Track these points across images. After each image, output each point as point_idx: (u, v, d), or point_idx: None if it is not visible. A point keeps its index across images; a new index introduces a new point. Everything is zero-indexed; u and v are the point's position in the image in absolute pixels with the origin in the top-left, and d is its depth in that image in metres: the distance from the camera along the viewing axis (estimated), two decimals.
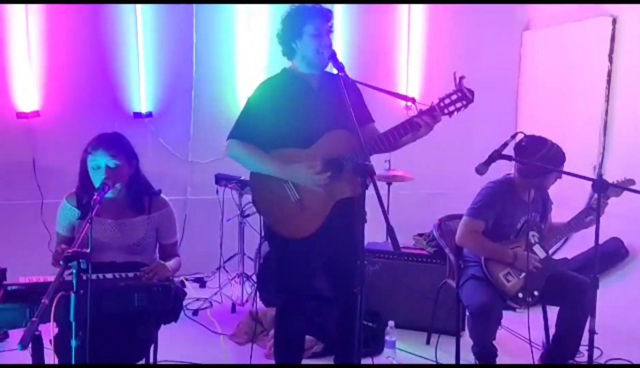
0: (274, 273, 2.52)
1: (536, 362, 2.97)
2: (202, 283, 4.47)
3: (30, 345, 1.86)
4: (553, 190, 2.99)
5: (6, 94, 4.15)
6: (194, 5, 4.54)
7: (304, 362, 2.71)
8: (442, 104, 2.27)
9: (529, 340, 2.80)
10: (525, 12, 5.43)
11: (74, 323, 1.69)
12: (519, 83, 5.51)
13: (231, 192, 4.06)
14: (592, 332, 2.36)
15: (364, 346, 2.16)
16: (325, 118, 2.36)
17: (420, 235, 3.67)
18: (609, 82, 4.60)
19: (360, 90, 2.50)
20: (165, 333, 2.39)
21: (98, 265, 2.20)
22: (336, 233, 2.36)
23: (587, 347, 2.45)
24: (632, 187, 2.70)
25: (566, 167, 2.75)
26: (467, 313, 2.87)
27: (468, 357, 2.85)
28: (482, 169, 2.48)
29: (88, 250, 1.71)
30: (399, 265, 3.60)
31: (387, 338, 3.15)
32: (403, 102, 4.73)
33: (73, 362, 1.70)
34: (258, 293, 3.55)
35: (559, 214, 3.09)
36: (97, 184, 2.25)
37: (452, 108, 2.27)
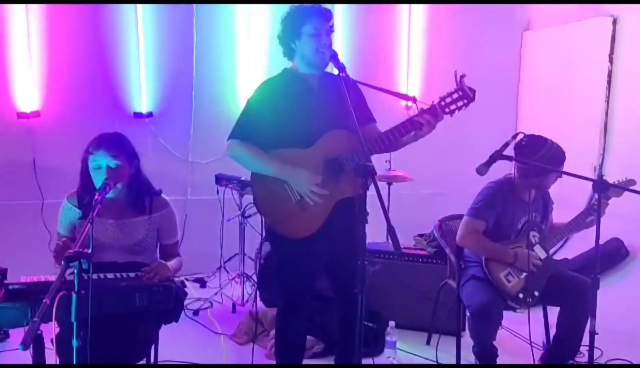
0: (275, 274, 2.51)
1: (536, 362, 2.97)
2: (202, 283, 4.47)
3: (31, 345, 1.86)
4: (553, 190, 3.00)
5: (6, 94, 4.14)
6: (194, 5, 4.54)
7: (305, 362, 2.71)
8: (443, 103, 2.26)
9: (530, 340, 2.80)
10: (526, 12, 5.44)
11: (75, 323, 1.68)
12: (519, 83, 5.51)
13: (231, 192, 4.06)
14: (593, 333, 2.37)
15: (365, 346, 2.16)
16: (325, 118, 2.36)
17: (421, 235, 3.67)
18: (609, 82, 4.60)
19: (361, 90, 2.50)
20: (166, 333, 2.40)
21: (99, 265, 2.21)
22: (337, 233, 2.35)
23: (587, 347, 2.45)
24: (633, 188, 2.70)
25: (566, 167, 2.75)
26: (468, 314, 2.87)
27: (468, 357, 2.85)
28: (482, 170, 2.48)
29: (89, 250, 1.71)
30: (400, 266, 3.60)
31: (387, 338, 3.15)
32: (404, 102, 4.74)
33: (74, 362, 1.70)
34: (258, 294, 3.54)
35: (560, 214, 3.09)
36: (98, 184, 2.25)
37: (453, 107, 2.26)
